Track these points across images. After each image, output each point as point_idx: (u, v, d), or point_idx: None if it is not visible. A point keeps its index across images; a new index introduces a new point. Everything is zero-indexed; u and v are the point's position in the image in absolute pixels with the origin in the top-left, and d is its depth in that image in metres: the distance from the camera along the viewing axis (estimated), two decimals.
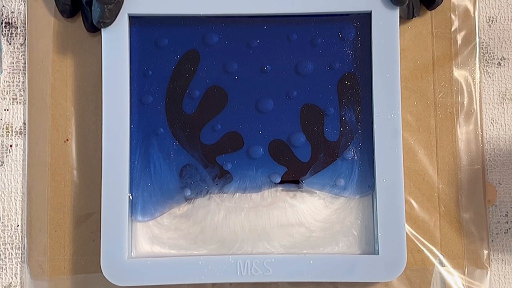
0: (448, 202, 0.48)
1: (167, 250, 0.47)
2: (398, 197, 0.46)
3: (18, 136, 0.49)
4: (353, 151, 0.48)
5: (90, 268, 0.47)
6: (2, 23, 0.50)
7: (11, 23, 0.50)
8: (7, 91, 0.50)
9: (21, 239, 0.49)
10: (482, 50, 0.50)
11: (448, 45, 0.49)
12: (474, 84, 0.49)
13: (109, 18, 0.45)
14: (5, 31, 0.50)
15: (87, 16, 0.48)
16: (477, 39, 0.49)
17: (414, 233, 0.48)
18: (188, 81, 0.48)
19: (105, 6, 0.45)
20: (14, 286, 0.48)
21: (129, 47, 0.47)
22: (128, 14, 0.47)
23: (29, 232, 0.48)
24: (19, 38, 0.50)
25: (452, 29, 0.49)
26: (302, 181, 0.48)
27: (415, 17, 0.48)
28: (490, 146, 0.49)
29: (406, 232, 0.47)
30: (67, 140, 0.48)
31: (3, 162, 0.49)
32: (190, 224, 0.48)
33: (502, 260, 0.48)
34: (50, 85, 0.49)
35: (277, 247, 0.47)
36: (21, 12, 0.50)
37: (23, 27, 0.50)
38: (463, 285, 0.47)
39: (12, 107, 0.49)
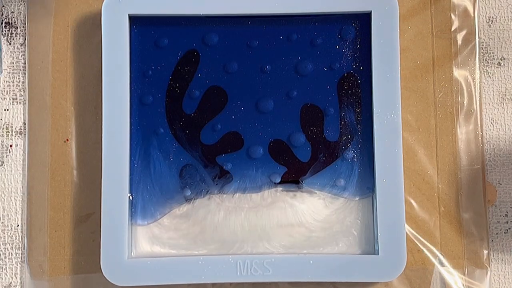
0: (448, 202, 0.48)
1: (167, 250, 0.47)
2: (398, 197, 0.46)
3: (18, 136, 0.49)
4: (353, 151, 0.48)
5: (90, 268, 0.48)
6: (2, 23, 0.50)
7: (11, 23, 0.50)
8: (7, 91, 0.50)
9: (21, 239, 0.49)
10: (482, 50, 0.50)
11: (448, 45, 0.49)
12: (474, 84, 0.49)
13: None
14: (5, 31, 0.50)
15: None
16: (477, 39, 0.49)
17: (414, 233, 0.48)
18: (188, 81, 0.48)
19: None
20: (14, 286, 0.48)
21: (129, 47, 0.47)
22: (128, 14, 0.47)
23: (29, 232, 0.48)
24: (19, 38, 0.50)
25: (452, 29, 0.49)
26: (302, 181, 0.48)
27: None
28: (490, 146, 0.49)
29: (406, 232, 0.47)
30: (67, 140, 0.48)
31: (3, 162, 0.49)
32: (190, 224, 0.48)
33: (502, 260, 0.48)
34: (50, 85, 0.49)
35: (277, 247, 0.47)
36: (21, 12, 0.50)
37: (23, 27, 0.50)
38: (463, 285, 0.48)
39: (12, 107, 0.49)
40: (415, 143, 0.48)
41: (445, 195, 0.48)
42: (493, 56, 0.50)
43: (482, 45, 0.50)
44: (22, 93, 0.49)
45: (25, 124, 0.49)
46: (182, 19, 0.48)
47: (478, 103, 0.49)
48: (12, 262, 0.48)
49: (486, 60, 0.50)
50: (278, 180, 0.48)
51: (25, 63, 0.50)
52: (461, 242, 0.48)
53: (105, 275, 0.45)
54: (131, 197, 0.47)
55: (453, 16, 0.49)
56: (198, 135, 0.48)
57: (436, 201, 0.48)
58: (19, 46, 0.50)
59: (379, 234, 0.46)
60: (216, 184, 0.48)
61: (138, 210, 0.47)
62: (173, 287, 0.47)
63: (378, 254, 0.46)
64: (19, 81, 0.50)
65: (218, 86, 0.48)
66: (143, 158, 0.48)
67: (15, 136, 0.49)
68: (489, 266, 0.48)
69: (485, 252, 0.48)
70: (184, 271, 0.46)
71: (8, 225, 0.49)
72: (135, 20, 0.48)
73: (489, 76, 0.50)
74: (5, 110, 0.49)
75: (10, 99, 0.50)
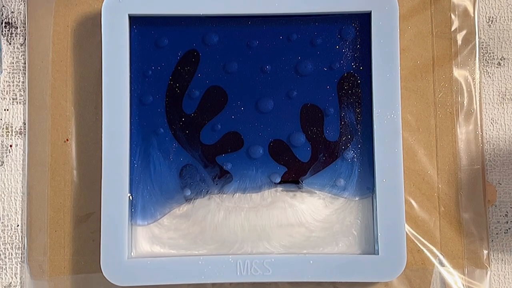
0: (448, 202, 0.48)
1: (167, 250, 0.47)
2: (398, 197, 0.46)
3: (18, 136, 0.49)
4: (353, 151, 0.48)
5: (90, 268, 0.48)
6: (2, 23, 0.50)
7: (11, 23, 0.50)
8: (7, 91, 0.50)
9: (21, 239, 0.49)
10: (482, 50, 0.50)
11: (448, 45, 0.49)
12: (474, 84, 0.49)
13: None
14: (5, 31, 0.50)
15: None
16: (477, 39, 0.49)
17: (414, 233, 0.48)
18: (188, 81, 0.48)
19: None
20: (14, 286, 0.48)
21: (129, 47, 0.47)
22: (128, 14, 0.47)
23: (29, 232, 0.48)
24: (19, 38, 0.50)
25: (452, 29, 0.49)
26: (302, 181, 0.48)
27: None
28: (490, 146, 0.49)
29: (406, 232, 0.47)
30: (67, 140, 0.48)
31: (3, 162, 0.49)
32: (190, 224, 0.48)
33: (502, 260, 0.48)
34: (50, 85, 0.49)
35: (277, 247, 0.47)
36: (21, 12, 0.50)
37: (23, 27, 0.50)
38: (463, 285, 0.48)
39: (12, 107, 0.49)
40: (415, 143, 0.48)
41: (445, 195, 0.48)
42: (493, 56, 0.50)
43: (482, 45, 0.50)
44: (22, 93, 0.49)
45: (25, 124, 0.49)
46: (182, 19, 0.48)
47: (478, 103, 0.49)
48: (12, 262, 0.48)
49: (486, 60, 0.50)
50: (278, 180, 0.48)
51: (25, 63, 0.50)
52: (461, 242, 0.48)
53: (105, 275, 0.45)
54: (131, 197, 0.47)
55: (453, 16, 0.49)
56: (198, 135, 0.48)
57: (436, 201, 0.48)
58: (19, 46, 0.50)
59: (379, 234, 0.46)
60: (216, 184, 0.48)
61: (138, 210, 0.47)
62: (173, 287, 0.47)
63: (378, 254, 0.46)
64: (19, 81, 0.50)
65: (218, 86, 0.48)
66: (143, 158, 0.48)
67: (15, 136, 0.49)
68: (489, 266, 0.48)
69: (485, 252, 0.48)
70: (184, 271, 0.46)
71: (8, 225, 0.49)
72: (135, 20, 0.48)
73: (489, 76, 0.50)
74: (5, 110, 0.49)
75: (10, 99, 0.50)
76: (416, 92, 0.49)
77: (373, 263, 0.46)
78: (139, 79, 0.48)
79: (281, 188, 0.48)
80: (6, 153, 0.49)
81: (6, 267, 0.48)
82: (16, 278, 0.48)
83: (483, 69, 0.50)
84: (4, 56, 0.50)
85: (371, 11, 0.47)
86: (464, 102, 0.49)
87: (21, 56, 0.50)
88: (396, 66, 0.46)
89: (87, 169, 0.48)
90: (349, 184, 0.48)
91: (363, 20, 0.48)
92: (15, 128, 0.49)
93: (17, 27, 0.50)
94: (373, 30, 0.47)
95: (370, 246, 0.47)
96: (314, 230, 0.47)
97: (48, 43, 0.49)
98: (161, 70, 0.48)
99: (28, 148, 0.49)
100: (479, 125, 0.49)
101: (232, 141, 0.48)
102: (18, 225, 0.49)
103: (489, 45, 0.50)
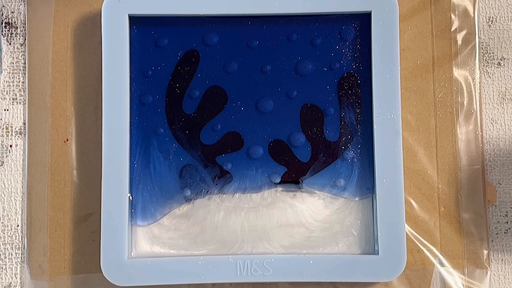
0: (448, 202, 0.48)
1: (167, 250, 0.47)
2: (398, 197, 0.46)
3: (18, 136, 0.49)
4: (353, 151, 0.48)
5: (90, 268, 0.48)
6: (2, 23, 0.50)
7: (11, 23, 0.50)
8: (7, 91, 0.50)
9: (21, 239, 0.49)
10: (482, 50, 0.50)
11: (448, 45, 0.49)
12: (474, 84, 0.49)
13: None
14: (5, 31, 0.50)
15: None
16: (477, 39, 0.49)
17: (414, 233, 0.48)
18: (188, 81, 0.48)
19: None
20: (14, 286, 0.48)
21: (129, 47, 0.47)
22: (128, 14, 0.47)
23: (29, 232, 0.48)
24: (19, 38, 0.50)
25: (452, 29, 0.49)
26: (302, 181, 0.48)
27: None
28: (490, 146, 0.49)
29: (406, 232, 0.47)
30: (67, 140, 0.48)
31: (3, 162, 0.49)
32: (190, 224, 0.48)
33: (502, 260, 0.48)
34: (50, 85, 0.49)
35: (277, 247, 0.47)
36: (21, 12, 0.50)
37: (23, 27, 0.50)
38: (463, 285, 0.48)
39: (12, 107, 0.49)
40: (415, 143, 0.48)
41: (445, 195, 0.48)
42: (493, 56, 0.50)
43: (482, 45, 0.50)
44: (22, 93, 0.49)
45: (25, 124, 0.49)
46: (182, 19, 0.48)
47: (478, 103, 0.49)
48: (12, 262, 0.48)
49: (486, 60, 0.50)
50: (278, 180, 0.48)
51: (25, 63, 0.50)
52: (461, 242, 0.48)
53: (105, 275, 0.46)
54: (131, 197, 0.47)
55: (453, 16, 0.49)
56: (198, 135, 0.48)
57: (436, 201, 0.48)
58: (19, 46, 0.50)
59: (379, 234, 0.46)
60: (216, 184, 0.48)
61: (138, 210, 0.47)
62: (173, 287, 0.47)
63: (378, 254, 0.46)
64: (19, 81, 0.50)
65: (218, 86, 0.48)
66: (143, 158, 0.48)
67: (15, 136, 0.49)
68: (489, 266, 0.48)
69: (485, 252, 0.48)
70: (184, 271, 0.46)
71: (8, 225, 0.49)
72: (135, 20, 0.48)
73: (489, 76, 0.50)
74: (5, 110, 0.49)
75: (10, 99, 0.50)
76: (416, 92, 0.49)
77: (373, 263, 0.46)
78: (139, 79, 0.48)
79: (281, 188, 0.48)
80: (6, 153, 0.49)
81: (6, 267, 0.48)
82: (16, 278, 0.48)
83: (483, 69, 0.50)
84: (4, 56, 0.50)
85: (371, 11, 0.47)
86: (464, 102, 0.49)
87: (21, 56, 0.50)
88: (396, 66, 0.46)
89: (87, 169, 0.48)
90: (349, 184, 0.48)
91: (363, 20, 0.48)
92: (15, 128, 0.49)
93: (17, 27, 0.50)
94: (373, 30, 0.47)
95: (370, 246, 0.47)
96: (314, 230, 0.48)
97: (48, 43, 0.49)
98: (161, 70, 0.48)
99: (28, 148, 0.49)
100: (479, 125, 0.49)
101: (232, 141, 0.48)
102: (18, 225, 0.49)
103: (489, 45, 0.50)
